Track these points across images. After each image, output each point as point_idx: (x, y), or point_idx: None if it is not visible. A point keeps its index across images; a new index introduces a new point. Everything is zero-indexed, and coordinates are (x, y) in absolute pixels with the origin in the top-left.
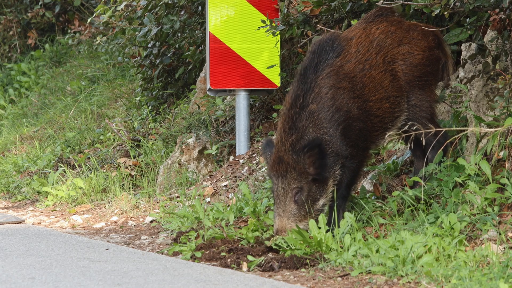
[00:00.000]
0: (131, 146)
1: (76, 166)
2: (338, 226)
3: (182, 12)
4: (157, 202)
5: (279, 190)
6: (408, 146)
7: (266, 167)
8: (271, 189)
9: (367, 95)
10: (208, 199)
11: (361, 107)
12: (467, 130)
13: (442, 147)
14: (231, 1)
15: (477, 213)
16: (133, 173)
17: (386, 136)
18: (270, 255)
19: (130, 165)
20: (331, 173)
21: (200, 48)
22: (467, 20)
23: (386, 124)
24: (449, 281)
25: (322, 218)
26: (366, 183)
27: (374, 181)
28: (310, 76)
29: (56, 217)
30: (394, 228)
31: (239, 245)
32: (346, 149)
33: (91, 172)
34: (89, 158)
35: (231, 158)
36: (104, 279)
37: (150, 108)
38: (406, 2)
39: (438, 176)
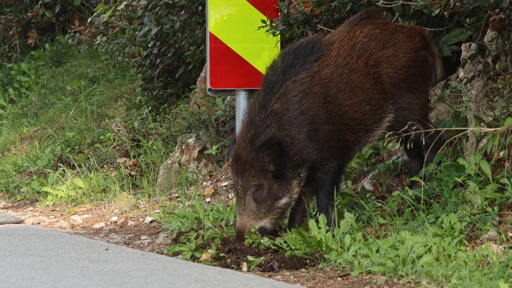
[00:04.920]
0: (131, 146)
1: (76, 166)
2: (329, 226)
3: (182, 12)
4: (157, 202)
5: (239, 188)
6: (402, 147)
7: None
8: (232, 186)
9: (341, 100)
10: (208, 199)
11: (332, 111)
12: (467, 130)
13: (441, 148)
14: (231, 1)
15: (477, 213)
16: (133, 173)
17: (386, 136)
18: (270, 255)
19: (130, 165)
20: (295, 175)
21: (200, 48)
22: (467, 20)
23: (368, 126)
24: (449, 281)
25: (322, 218)
26: (366, 183)
27: (374, 181)
28: (278, 77)
29: (55, 217)
30: (394, 228)
31: (239, 245)
32: (313, 151)
33: (91, 172)
34: (89, 158)
35: None
36: (104, 279)
37: (150, 108)
38: (406, 2)
39: (438, 176)
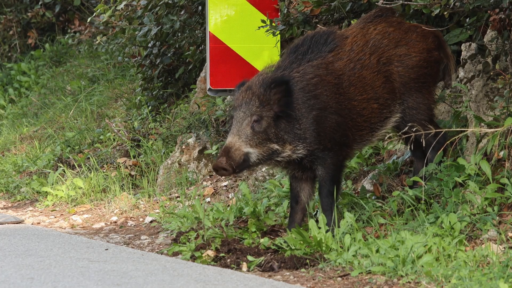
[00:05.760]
0: (131, 146)
1: (76, 166)
2: (329, 225)
3: (182, 12)
4: (157, 202)
5: (240, 114)
6: (408, 147)
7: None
8: (231, 116)
9: (352, 94)
10: (208, 199)
11: (342, 103)
12: (467, 130)
13: (442, 148)
14: (231, 1)
15: (477, 213)
16: (133, 173)
17: (386, 137)
18: (270, 255)
19: (130, 165)
20: (292, 143)
21: (200, 48)
22: (467, 20)
23: (374, 124)
24: (449, 281)
25: (322, 218)
26: (366, 183)
27: (374, 181)
28: (298, 57)
29: (55, 217)
30: (394, 228)
31: (239, 245)
32: (317, 135)
33: (90, 172)
34: (89, 158)
35: None
36: (103, 279)
37: (150, 108)
38: (406, 2)
39: (438, 176)
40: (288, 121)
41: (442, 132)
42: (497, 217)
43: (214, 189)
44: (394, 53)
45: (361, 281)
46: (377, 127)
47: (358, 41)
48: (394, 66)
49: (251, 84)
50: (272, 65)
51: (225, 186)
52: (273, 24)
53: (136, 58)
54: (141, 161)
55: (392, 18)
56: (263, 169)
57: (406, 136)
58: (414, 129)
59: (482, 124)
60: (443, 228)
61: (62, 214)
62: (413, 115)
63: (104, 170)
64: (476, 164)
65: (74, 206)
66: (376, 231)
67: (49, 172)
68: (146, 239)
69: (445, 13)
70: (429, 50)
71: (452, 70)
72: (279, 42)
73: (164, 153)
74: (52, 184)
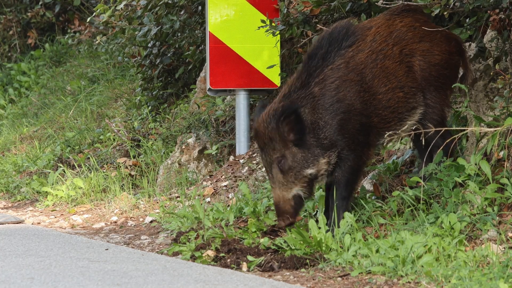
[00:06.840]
0: (131, 146)
1: (76, 166)
2: (338, 227)
3: (182, 12)
4: (157, 202)
5: (264, 162)
6: (408, 145)
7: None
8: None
9: (376, 87)
10: (208, 199)
11: (367, 101)
12: (467, 130)
13: (441, 147)
14: (231, 1)
15: (477, 213)
16: (133, 173)
17: (385, 135)
18: (270, 255)
19: (130, 165)
20: (325, 155)
21: (200, 48)
22: (467, 20)
23: (401, 114)
24: (449, 281)
25: (322, 218)
26: (366, 183)
27: (374, 181)
28: (318, 63)
29: (55, 217)
30: (394, 228)
31: (239, 245)
32: (342, 139)
33: (90, 172)
34: (89, 158)
35: (231, 158)
36: (104, 279)
37: (150, 108)
38: (406, 2)
39: (438, 176)
40: (312, 136)
41: (442, 131)
42: (497, 217)
43: (214, 189)
44: (417, 47)
45: (361, 281)
46: (405, 116)
47: (382, 32)
48: (417, 59)
49: (257, 126)
50: (288, 88)
51: (225, 186)
52: (273, 24)
53: (136, 58)
54: (141, 161)
55: (419, 15)
56: (263, 169)
57: (406, 134)
58: (413, 128)
59: (482, 124)
60: (443, 228)
61: (62, 214)
62: (428, 114)
63: (104, 170)
64: (476, 164)
65: (74, 206)
66: (376, 231)
67: (49, 172)
68: (146, 239)
69: (445, 13)
70: (451, 53)
71: (468, 79)
72: (279, 42)
73: (164, 153)
74: (52, 184)
